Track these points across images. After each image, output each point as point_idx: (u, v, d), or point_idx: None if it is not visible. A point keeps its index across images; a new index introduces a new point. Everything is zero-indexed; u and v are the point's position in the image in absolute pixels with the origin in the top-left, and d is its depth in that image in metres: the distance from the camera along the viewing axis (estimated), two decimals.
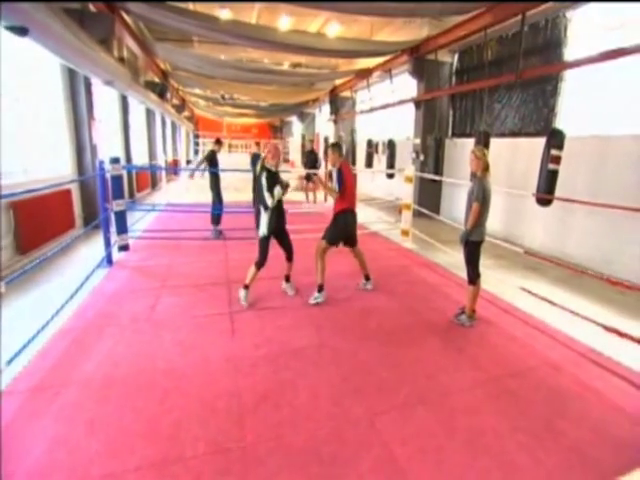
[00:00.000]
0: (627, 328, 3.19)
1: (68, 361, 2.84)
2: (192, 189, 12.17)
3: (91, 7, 5.58)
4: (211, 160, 6.53)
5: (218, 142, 6.98)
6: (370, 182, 12.91)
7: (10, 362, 2.52)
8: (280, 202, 3.75)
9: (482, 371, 2.89)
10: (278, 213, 3.77)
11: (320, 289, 3.96)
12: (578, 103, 5.87)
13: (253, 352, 3.05)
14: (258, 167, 3.74)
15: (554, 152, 4.88)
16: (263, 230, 3.71)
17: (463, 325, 3.61)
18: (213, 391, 2.55)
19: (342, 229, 4.01)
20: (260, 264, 3.81)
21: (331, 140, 15.28)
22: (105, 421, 2.25)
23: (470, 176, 3.63)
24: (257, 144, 9.21)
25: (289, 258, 4.10)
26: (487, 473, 1.99)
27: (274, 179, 3.60)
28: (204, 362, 2.89)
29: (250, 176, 8.60)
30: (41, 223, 5.14)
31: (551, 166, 4.91)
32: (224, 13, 7.13)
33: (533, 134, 6.53)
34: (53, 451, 2.01)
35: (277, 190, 3.58)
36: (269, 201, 3.57)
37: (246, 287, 3.88)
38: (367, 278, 4.39)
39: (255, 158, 8.69)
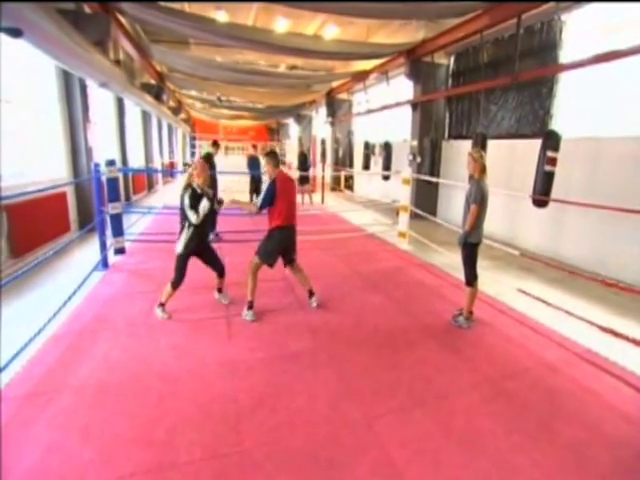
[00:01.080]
0: (623, 328, 3.20)
1: (62, 366, 2.81)
2: None
3: (86, 8, 5.56)
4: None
5: (215, 144, 6.95)
6: (367, 184, 12.93)
7: (3, 369, 2.49)
8: (205, 223, 3.54)
9: (479, 373, 2.89)
10: (200, 233, 3.54)
11: (250, 306, 3.67)
12: (574, 105, 5.90)
13: (249, 356, 3.03)
14: (183, 184, 3.51)
15: (550, 154, 4.91)
16: (179, 248, 3.50)
17: (461, 327, 3.61)
18: (209, 395, 2.53)
19: (276, 246, 3.64)
20: (176, 284, 3.58)
21: (328, 142, 15.29)
22: (99, 427, 2.22)
23: (469, 178, 3.64)
24: (254, 147, 9.22)
25: (220, 275, 3.87)
26: (485, 474, 1.98)
27: (197, 198, 3.40)
28: (200, 366, 2.87)
29: (246, 179, 8.62)
30: (36, 226, 5.09)
31: (547, 167, 4.94)
32: (220, 15, 7.11)
33: (529, 136, 6.56)
34: (47, 459, 1.99)
35: (202, 205, 3.38)
36: (193, 218, 3.38)
37: (161, 305, 3.64)
38: (311, 294, 3.94)
39: (252, 161, 8.70)
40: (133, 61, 9.25)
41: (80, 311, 3.71)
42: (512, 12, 5.49)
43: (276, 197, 3.50)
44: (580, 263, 5.51)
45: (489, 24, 5.99)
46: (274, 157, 3.65)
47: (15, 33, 3.45)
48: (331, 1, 5.33)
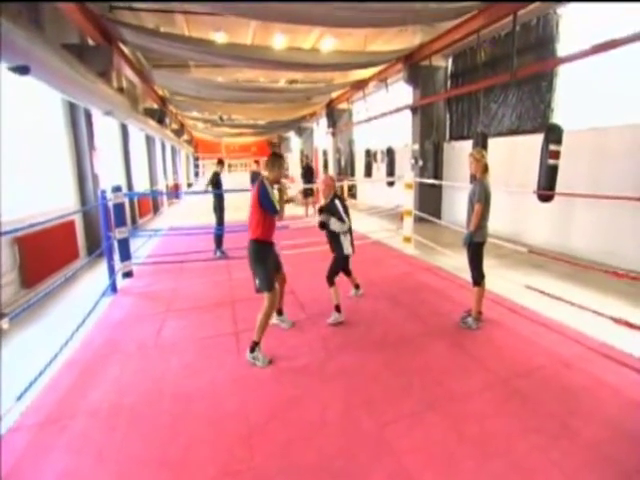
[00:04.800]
0: (638, 318, 3.11)
1: (75, 392, 2.83)
2: (193, 212, 12.29)
3: (90, 41, 5.77)
4: (215, 182, 6.63)
5: (220, 162, 7.07)
6: (370, 191, 12.94)
7: (20, 398, 2.51)
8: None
9: (491, 373, 2.84)
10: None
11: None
12: (575, 96, 5.84)
13: (259, 370, 3.02)
14: (327, 199, 3.92)
15: (553, 147, 4.87)
16: (348, 250, 3.88)
17: (470, 328, 3.55)
18: (221, 413, 2.53)
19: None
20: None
21: (330, 153, 15.37)
22: (114, 450, 2.23)
23: (470, 178, 3.63)
24: (256, 162, 9.32)
25: (347, 274, 4.36)
26: (501, 477, 1.93)
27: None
28: (211, 384, 2.87)
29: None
30: (46, 256, 5.11)
31: (551, 161, 4.90)
32: (219, 36, 7.30)
33: (531, 131, 6.52)
34: None
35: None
36: (346, 225, 3.76)
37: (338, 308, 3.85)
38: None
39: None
40: (136, 87, 9.51)
41: (92, 336, 3.74)
42: (507, 10, 5.49)
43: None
44: (591, 256, 5.41)
45: (485, 24, 5.98)
46: (273, 160, 3.34)
47: (23, 71, 3.56)
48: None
